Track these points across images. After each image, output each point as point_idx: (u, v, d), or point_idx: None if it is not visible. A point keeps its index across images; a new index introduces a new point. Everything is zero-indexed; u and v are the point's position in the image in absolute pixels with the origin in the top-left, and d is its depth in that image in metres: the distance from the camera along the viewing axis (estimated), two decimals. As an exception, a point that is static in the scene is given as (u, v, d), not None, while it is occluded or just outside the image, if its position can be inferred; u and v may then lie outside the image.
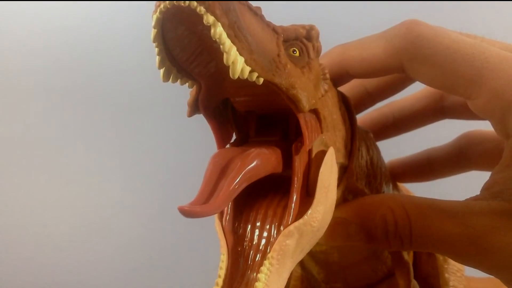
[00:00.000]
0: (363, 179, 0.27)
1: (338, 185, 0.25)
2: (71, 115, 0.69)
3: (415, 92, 0.32)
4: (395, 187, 0.32)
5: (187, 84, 0.21)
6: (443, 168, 0.32)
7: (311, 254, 0.29)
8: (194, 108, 0.22)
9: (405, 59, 0.23)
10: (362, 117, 0.33)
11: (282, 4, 0.64)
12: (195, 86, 0.21)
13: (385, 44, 0.24)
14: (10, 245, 0.69)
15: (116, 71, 0.68)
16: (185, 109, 0.21)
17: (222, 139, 0.23)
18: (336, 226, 0.24)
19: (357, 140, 0.26)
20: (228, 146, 0.23)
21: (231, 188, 0.18)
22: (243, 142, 0.24)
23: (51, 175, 0.69)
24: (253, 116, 0.24)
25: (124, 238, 0.69)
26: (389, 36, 0.24)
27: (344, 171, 0.25)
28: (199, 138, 0.65)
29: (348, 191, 0.26)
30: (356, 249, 0.28)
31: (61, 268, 0.69)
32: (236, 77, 0.17)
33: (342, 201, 0.25)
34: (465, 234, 0.21)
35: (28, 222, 0.69)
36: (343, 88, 0.29)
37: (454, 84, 0.22)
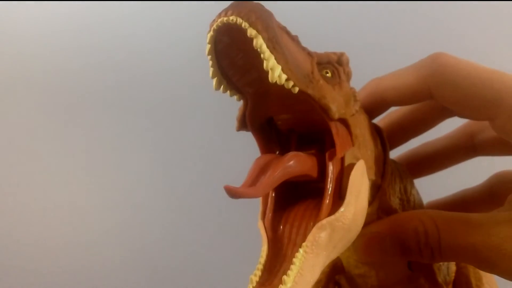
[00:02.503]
0: (397, 202, 0.29)
1: (372, 203, 0.27)
2: (78, 116, 0.70)
3: (447, 132, 0.34)
4: None
5: (235, 97, 0.24)
6: (477, 209, 0.34)
7: (349, 279, 0.31)
8: (242, 124, 0.25)
9: (432, 85, 0.26)
10: (397, 157, 0.35)
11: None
12: (242, 103, 0.25)
13: (414, 73, 0.27)
14: (13, 247, 0.70)
15: (134, 74, 0.70)
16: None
17: (266, 152, 0.26)
18: (371, 240, 0.26)
19: (390, 165, 0.29)
20: None
21: (271, 178, 0.21)
22: None
23: (59, 176, 0.71)
24: (294, 135, 0.27)
25: (129, 241, 0.69)
26: (418, 66, 0.27)
27: (377, 190, 0.27)
28: (207, 141, 0.66)
29: (382, 210, 0.28)
30: (392, 271, 0.29)
31: (64, 271, 0.69)
32: (274, 81, 0.20)
33: (376, 219, 0.27)
34: (488, 242, 0.23)
35: (31, 223, 0.70)
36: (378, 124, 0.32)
37: (476, 106, 0.25)
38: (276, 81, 0.20)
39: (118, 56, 0.70)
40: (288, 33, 0.23)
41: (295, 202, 0.25)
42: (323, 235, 0.22)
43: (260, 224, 0.24)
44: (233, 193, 0.20)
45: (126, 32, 0.70)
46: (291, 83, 0.21)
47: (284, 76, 0.21)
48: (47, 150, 0.71)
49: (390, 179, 0.29)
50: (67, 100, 0.71)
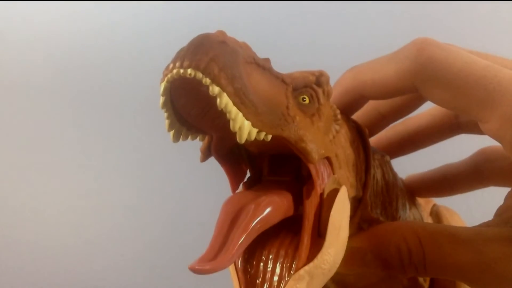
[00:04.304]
0: (378, 207, 0.27)
1: (352, 217, 0.25)
2: (77, 116, 0.70)
3: (429, 108, 0.32)
4: (413, 204, 0.33)
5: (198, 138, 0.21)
6: (460, 184, 0.32)
7: None
8: (207, 155, 0.22)
9: (417, 81, 0.23)
10: (377, 136, 0.33)
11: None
12: (207, 136, 0.22)
13: (396, 66, 0.24)
14: (13, 247, 0.71)
15: (131, 75, 0.69)
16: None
17: (235, 179, 0.24)
18: (352, 255, 0.25)
19: (372, 169, 0.27)
20: (241, 185, 0.24)
21: (240, 241, 0.19)
22: (257, 181, 0.24)
23: (58, 177, 0.71)
24: (266, 158, 0.24)
25: (128, 241, 0.70)
26: (400, 58, 0.24)
27: (358, 203, 0.26)
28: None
29: (363, 221, 0.26)
30: (371, 272, 0.28)
31: (63, 271, 0.70)
32: (243, 142, 0.18)
33: (357, 230, 0.26)
34: (477, 261, 0.21)
35: (31, 223, 0.71)
36: (357, 113, 0.29)
37: (467, 106, 0.22)
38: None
39: (116, 56, 0.69)
40: (257, 63, 0.20)
41: (270, 232, 0.23)
42: (301, 285, 0.20)
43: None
44: (199, 272, 0.18)
45: (120, 32, 0.69)
46: (263, 134, 0.19)
47: (255, 130, 0.18)
48: (46, 151, 0.71)
49: (372, 183, 0.27)
50: (66, 101, 0.71)
